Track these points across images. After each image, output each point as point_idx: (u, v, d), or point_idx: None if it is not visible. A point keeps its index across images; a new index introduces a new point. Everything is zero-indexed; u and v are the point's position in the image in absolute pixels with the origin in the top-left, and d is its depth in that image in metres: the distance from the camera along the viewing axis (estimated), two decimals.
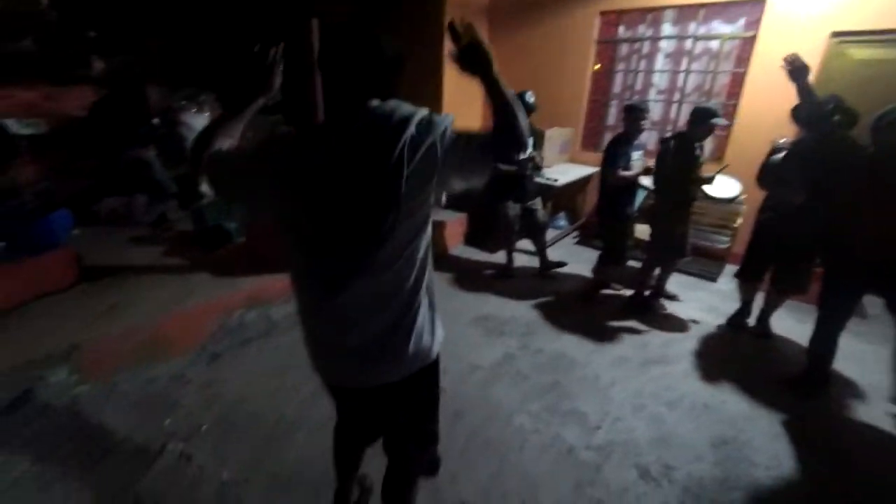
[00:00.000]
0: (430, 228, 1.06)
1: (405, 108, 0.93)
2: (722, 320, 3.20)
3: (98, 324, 2.36)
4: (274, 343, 2.76)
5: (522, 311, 3.30)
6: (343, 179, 0.92)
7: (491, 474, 1.89)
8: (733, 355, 2.84)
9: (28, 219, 2.73)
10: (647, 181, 3.17)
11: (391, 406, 1.22)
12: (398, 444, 1.31)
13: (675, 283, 3.62)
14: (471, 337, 2.94)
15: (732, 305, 3.21)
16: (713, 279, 3.97)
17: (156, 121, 3.94)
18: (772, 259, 2.86)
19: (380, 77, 0.96)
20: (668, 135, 3.20)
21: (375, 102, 0.94)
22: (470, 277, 3.86)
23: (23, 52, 3.55)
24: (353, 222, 0.93)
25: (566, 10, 4.76)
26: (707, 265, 4.05)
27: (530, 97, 3.39)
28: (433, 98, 5.03)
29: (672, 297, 3.53)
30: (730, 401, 2.42)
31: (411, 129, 0.88)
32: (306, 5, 2.49)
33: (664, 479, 1.90)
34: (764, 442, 2.14)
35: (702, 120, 2.81)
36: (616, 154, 3.09)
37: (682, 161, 2.90)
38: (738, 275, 3.09)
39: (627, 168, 3.10)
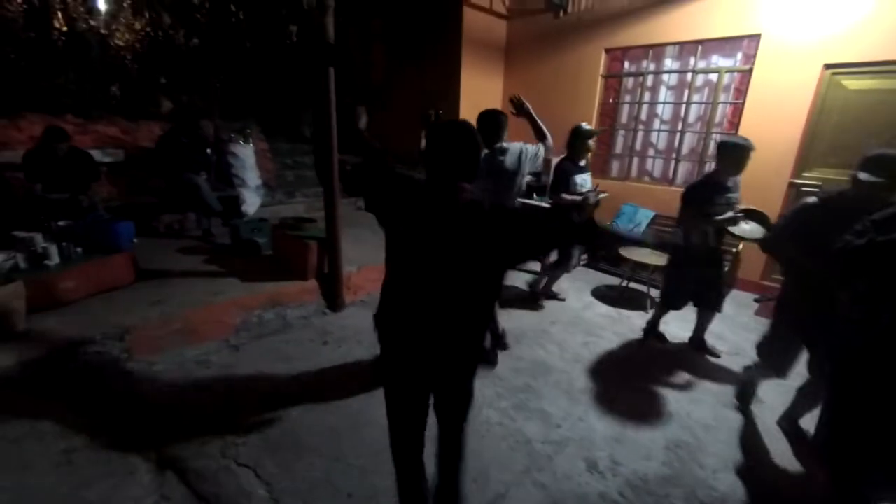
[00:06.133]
0: None
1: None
2: (715, 343, 3.26)
3: (145, 313, 2.88)
4: (285, 339, 3.16)
5: (520, 323, 3.51)
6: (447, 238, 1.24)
7: None
8: (714, 374, 2.93)
9: (101, 229, 3.36)
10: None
11: None
12: None
13: None
14: None
15: (726, 329, 3.30)
16: None
17: (208, 150, 4.63)
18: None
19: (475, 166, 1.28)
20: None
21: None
22: None
23: (110, 97, 4.38)
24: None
25: (574, 47, 5.14)
26: None
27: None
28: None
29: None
30: (696, 412, 2.53)
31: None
32: (337, 56, 3.01)
33: (609, 473, 2.06)
34: (718, 449, 2.24)
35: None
36: (559, 179, 3.38)
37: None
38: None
39: (570, 192, 3.32)
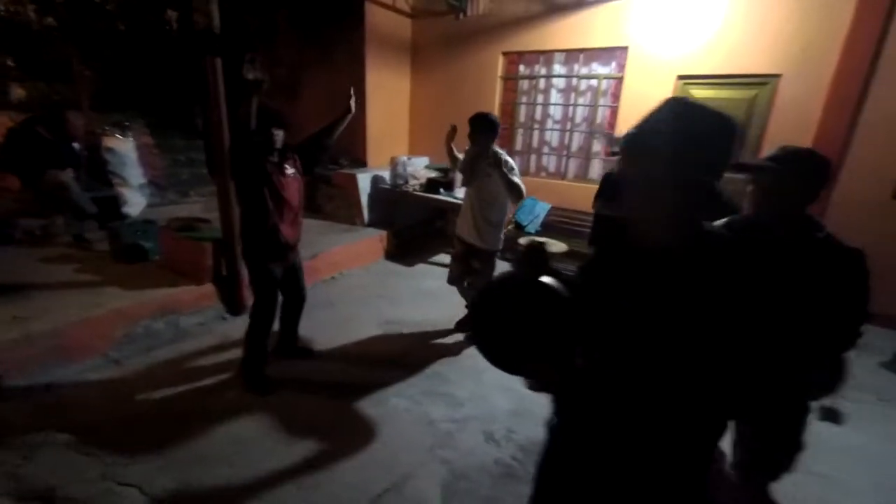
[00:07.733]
0: None
1: None
2: None
3: (2, 332, 2.49)
4: (178, 348, 2.95)
5: (433, 315, 3.61)
6: None
7: (358, 444, 2.18)
8: None
9: None
10: None
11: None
12: None
13: None
14: (373, 337, 3.26)
15: None
16: None
17: (76, 145, 4.08)
18: None
19: None
20: None
21: None
22: (389, 288, 4.20)
23: None
24: None
25: (475, 49, 5.39)
26: None
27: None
28: (360, 127, 5.49)
29: None
30: None
31: None
32: (221, 45, 2.85)
33: (504, 441, 2.27)
34: None
35: None
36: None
37: None
38: None
39: None
